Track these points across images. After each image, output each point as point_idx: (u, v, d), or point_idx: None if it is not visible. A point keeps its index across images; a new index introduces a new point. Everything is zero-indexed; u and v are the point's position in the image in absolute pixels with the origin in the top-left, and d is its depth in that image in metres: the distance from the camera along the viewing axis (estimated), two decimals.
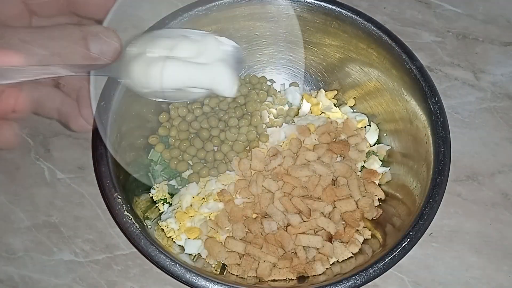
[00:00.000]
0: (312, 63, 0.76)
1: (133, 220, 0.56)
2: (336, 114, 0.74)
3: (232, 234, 0.65)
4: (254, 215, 0.66)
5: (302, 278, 0.62)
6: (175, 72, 0.43)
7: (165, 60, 0.42)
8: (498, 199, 0.72)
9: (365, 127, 0.74)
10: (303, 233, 0.63)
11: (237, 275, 0.62)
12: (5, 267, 0.67)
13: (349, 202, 0.64)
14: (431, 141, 0.62)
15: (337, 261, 0.64)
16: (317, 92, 0.76)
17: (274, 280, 0.62)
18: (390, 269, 0.56)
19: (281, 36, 0.73)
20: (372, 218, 0.67)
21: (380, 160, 0.72)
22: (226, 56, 0.47)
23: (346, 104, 0.76)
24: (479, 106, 0.79)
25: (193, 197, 0.68)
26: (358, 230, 0.66)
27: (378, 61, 0.68)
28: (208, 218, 0.66)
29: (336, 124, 0.71)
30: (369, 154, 0.72)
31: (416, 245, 0.57)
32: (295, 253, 0.63)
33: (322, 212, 0.64)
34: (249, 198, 0.66)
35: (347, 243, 0.64)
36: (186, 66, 0.44)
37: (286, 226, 0.64)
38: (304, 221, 0.64)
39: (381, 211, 0.67)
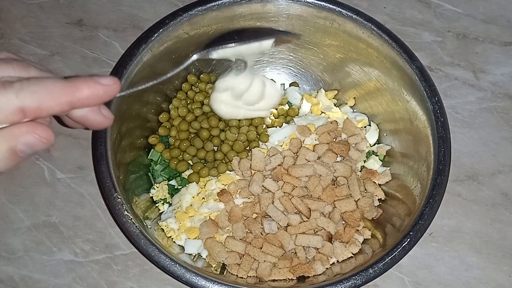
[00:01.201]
0: (312, 63, 0.76)
1: (133, 220, 0.56)
2: (336, 114, 0.74)
3: (232, 234, 0.65)
4: (254, 215, 0.66)
5: (302, 278, 0.62)
6: (231, 114, 0.55)
7: (229, 106, 0.54)
8: (498, 199, 0.72)
9: (365, 127, 0.74)
10: (303, 233, 0.63)
11: (237, 275, 0.62)
12: (5, 267, 0.67)
13: (349, 202, 0.64)
14: (431, 141, 0.62)
15: (337, 261, 0.64)
16: (317, 92, 0.76)
17: (274, 280, 0.62)
18: (390, 269, 0.56)
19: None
20: (372, 218, 0.67)
21: (380, 160, 0.72)
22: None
23: (346, 104, 0.76)
24: (479, 106, 0.79)
25: (193, 197, 0.68)
26: (358, 230, 0.66)
27: (378, 61, 0.68)
28: (208, 218, 0.66)
29: (336, 124, 0.71)
30: (369, 154, 0.72)
31: (416, 245, 0.57)
32: (295, 253, 0.63)
33: (322, 212, 0.64)
34: (249, 198, 0.66)
35: (347, 243, 0.64)
36: (243, 112, 0.55)
37: (286, 226, 0.64)
38: (304, 221, 0.64)
39: (381, 211, 0.67)
